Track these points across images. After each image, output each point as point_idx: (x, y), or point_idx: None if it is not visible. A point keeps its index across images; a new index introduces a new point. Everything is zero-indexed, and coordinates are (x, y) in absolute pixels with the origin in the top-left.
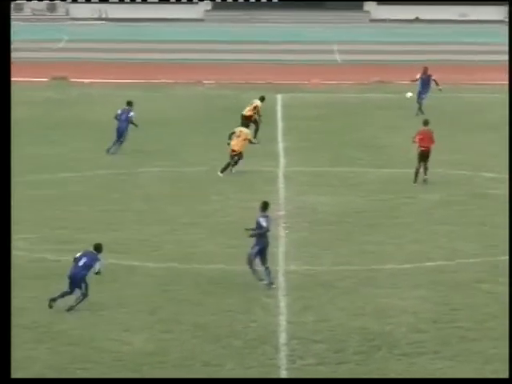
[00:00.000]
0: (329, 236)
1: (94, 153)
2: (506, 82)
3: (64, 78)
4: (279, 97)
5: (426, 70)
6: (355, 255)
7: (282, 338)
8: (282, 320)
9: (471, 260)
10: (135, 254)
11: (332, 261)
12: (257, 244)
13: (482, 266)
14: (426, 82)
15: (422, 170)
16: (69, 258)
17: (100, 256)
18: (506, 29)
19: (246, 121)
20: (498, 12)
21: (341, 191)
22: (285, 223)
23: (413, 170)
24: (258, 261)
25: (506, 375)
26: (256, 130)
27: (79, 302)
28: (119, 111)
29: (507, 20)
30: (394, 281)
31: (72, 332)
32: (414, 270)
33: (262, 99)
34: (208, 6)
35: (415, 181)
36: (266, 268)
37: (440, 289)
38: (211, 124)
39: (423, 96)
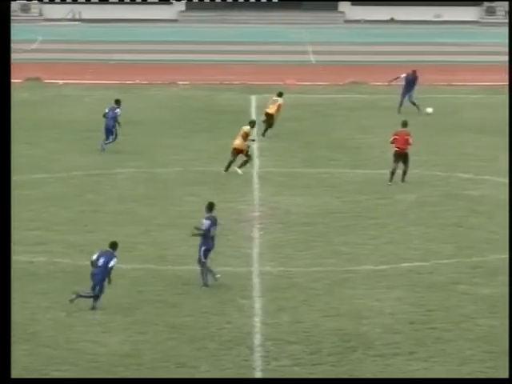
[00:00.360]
0: (304, 237)
1: (68, 154)
2: (481, 83)
3: (38, 79)
4: (253, 98)
5: (414, 72)
6: (330, 256)
7: (257, 339)
8: (257, 321)
9: (447, 261)
10: None
11: (307, 262)
12: (202, 244)
13: (457, 268)
14: (411, 83)
15: (399, 171)
16: (42, 259)
17: (115, 253)
18: (480, 29)
19: (269, 117)
20: (472, 13)
21: (315, 192)
22: (259, 224)
23: (388, 171)
24: (209, 260)
25: (481, 376)
26: (266, 129)
27: (95, 301)
28: (107, 109)
29: (482, 21)
30: (370, 282)
31: (48, 333)
32: (390, 271)
33: (280, 94)
34: (182, 6)
35: (390, 180)
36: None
37: (416, 290)
38: (186, 125)
39: (406, 96)
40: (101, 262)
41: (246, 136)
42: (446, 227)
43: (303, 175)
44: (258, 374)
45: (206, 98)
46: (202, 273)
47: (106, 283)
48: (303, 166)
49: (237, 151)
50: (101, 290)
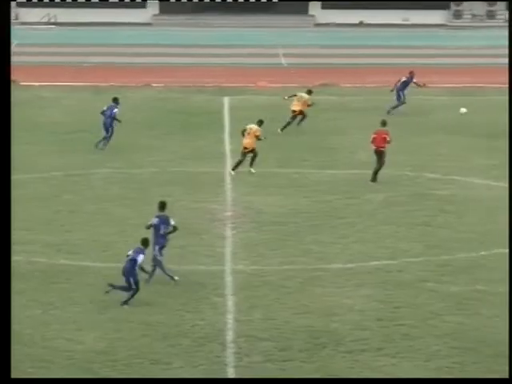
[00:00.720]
0: (275, 236)
1: (45, 155)
2: (448, 85)
3: (14, 82)
4: (226, 99)
5: (412, 73)
6: (301, 255)
7: (230, 336)
8: (230, 318)
9: (415, 259)
10: (86, 254)
11: (278, 260)
12: (155, 243)
13: (425, 266)
14: (407, 84)
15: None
16: (20, 259)
17: (145, 251)
18: (447, 32)
19: (295, 114)
20: (440, 16)
21: (287, 192)
22: (232, 224)
23: (358, 171)
24: (163, 258)
25: (449, 372)
26: (287, 125)
27: (130, 297)
28: (105, 107)
29: (449, 24)
30: (339, 280)
31: (24, 331)
32: (359, 269)
33: (310, 92)
34: (156, 10)
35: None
36: (153, 266)
37: (384, 287)
38: (160, 126)
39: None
40: (129, 257)
41: (257, 136)
42: (415, 226)
43: (275, 175)
44: (231, 370)
45: (179, 99)
46: (162, 270)
47: (138, 279)
48: (275, 166)
49: (247, 150)
50: (137, 287)
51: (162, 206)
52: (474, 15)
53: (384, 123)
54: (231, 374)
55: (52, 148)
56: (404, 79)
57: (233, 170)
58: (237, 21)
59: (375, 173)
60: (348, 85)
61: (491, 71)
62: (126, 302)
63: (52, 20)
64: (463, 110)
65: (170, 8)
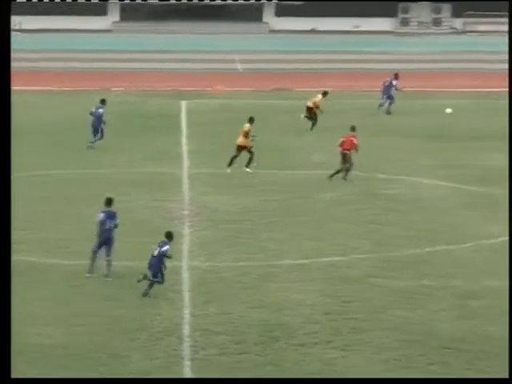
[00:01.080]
0: (230, 234)
1: (13, 156)
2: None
3: None
4: (184, 103)
5: (396, 75)
6: (255, 252)
7: (186, 330)
8: (186, 313)
9: (364, 256)
10: (50, 252)
11: (233, 257)
12: (97, 236)
13: (373, 262)
14: (392, 85)
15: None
16: None
17: (170, 243)
18: (395, 39)
19: (310, 112)
20: (388, 24)
21: (242, 191)
22: (189, 222)
23: (311, 172)
24: (101, 253)
25: (396, 364)
26: (313, 124)
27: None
28: (93, 109)
29: (397, 31)
30: (292, 275)
31: None
32: (311, 265)
33: (325, 94)
34: (116, 17)
35: (343, 178)
36: (108, 260)
37: (334, 283)
38: (119, 129)
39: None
40: (156, 252)
41: (246, 133)
42: (364, 224)
43: (230, 175)
44: (187, 363)
45: (138, 103)
46: (90, 265)
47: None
48: (231, 166)
49: (240, 148)
50: (162, 277)
51: (109, 201)
52: (420, 22)
53: (353, 128)
54: (187, 366)
55: (17, 150)
56: (390, 80)
57: (228, 165)
58: (194, 27)
59: (337, 172)
60: (301, 89)
61: (436, 76)
62: (146, 293)
63: (17, 27)
64: (448, 110)
65: (130, 15)
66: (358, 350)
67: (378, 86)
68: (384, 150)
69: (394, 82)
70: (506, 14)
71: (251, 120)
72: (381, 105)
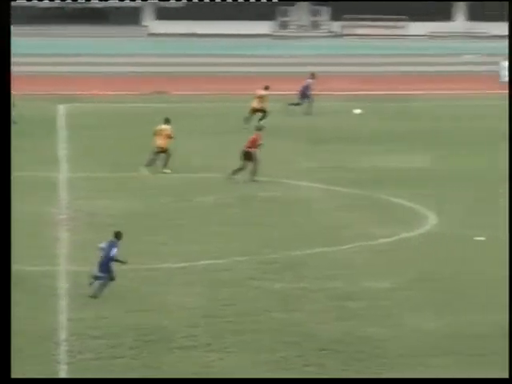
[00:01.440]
0: (109, 238)
1: None
2: (278, 92)
3: None
4: (62, 107)
5: (313, 75)
6: (135, 255)
7: (63, 334)
8: (63, 318)
9: (243, 258)
10: None
11: None
12: None
13: (253, 264)
14: (309, 86)
15: (247, 170)
16: None
17: (118, 242)
18: (274, 42)
19: (256, 112)
20: (267, 27)
21: (121, 195)
22: (66, 226)
23: (190, 175)
24: None
25: (276, 366)
26: (262, 118)
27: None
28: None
29: (275, 34)
30: (172, 279)
31: None
32: (191, 268)
33: (266, 88)
34: None
35: (233, 174)
36: None
37: (214, 286)
38: None
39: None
40: (104, 253)
41: (167, 135)
42: (245, 227)
43: (109, 179)
44: (63, 368)
45: (14, 107)
46: None
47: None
48: (109, 170)
49: (160, 150)
50: (111, 277)
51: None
52: (299, 26)
53: (259, 128)
54: (64, 370)
55: None
56: (308, 82)
57: (146, 166)
58: (73, 31)
59: (238, 170)
60: (179, 92)
61: (319, 79)
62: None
63: None
64: (357, 110)
65: (18, 20)
66: (236, 352)
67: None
68: (265, 152)
69: (310, 81)
70: (388, 17)
71: (167, 121)
72: (294, 103)
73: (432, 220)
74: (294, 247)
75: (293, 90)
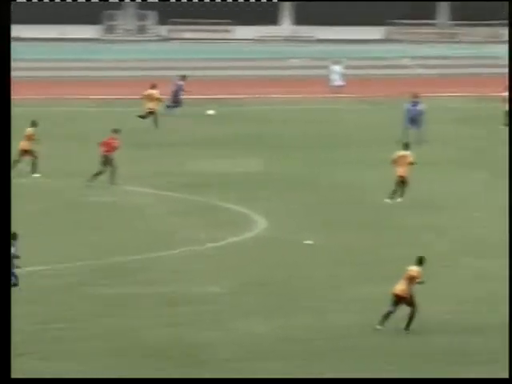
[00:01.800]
0: None
1: None
2: (100, 96)
3: None
4: None
5: (183, 78)
6: None
7: None
8: None
9: (75, 264)
10: None
11: None
12: None
13: (85, 270)
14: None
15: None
16: None
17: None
18: (101, 46)
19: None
20: (94, 31)
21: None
22: None
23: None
24: None
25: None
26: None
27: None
28: None
29: (102, 38)
30: None
31: None
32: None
33: (153, 86)
34: None
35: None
36: None
37: (43, 292)
38: None
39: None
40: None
41: (29, 136)
42: (75, 233)
43: None
44: None
45: None
46: None
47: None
48: None
49: (25, 153)
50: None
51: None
52: (126, 30)
53: (116, 131)
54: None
55: None
56: (178, 84)
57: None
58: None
59: (98, 174)
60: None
61: (137, 83)
62: None
63: None
64: (210, 111)
65: None
66: (57, 359)
67: (84, 94)
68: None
69: (181, 83)
70: (215, 21)
71: (34, 124)
72: (168, 106)
73: (261, 224)
74: (126, 253)
75: (120, 95)
